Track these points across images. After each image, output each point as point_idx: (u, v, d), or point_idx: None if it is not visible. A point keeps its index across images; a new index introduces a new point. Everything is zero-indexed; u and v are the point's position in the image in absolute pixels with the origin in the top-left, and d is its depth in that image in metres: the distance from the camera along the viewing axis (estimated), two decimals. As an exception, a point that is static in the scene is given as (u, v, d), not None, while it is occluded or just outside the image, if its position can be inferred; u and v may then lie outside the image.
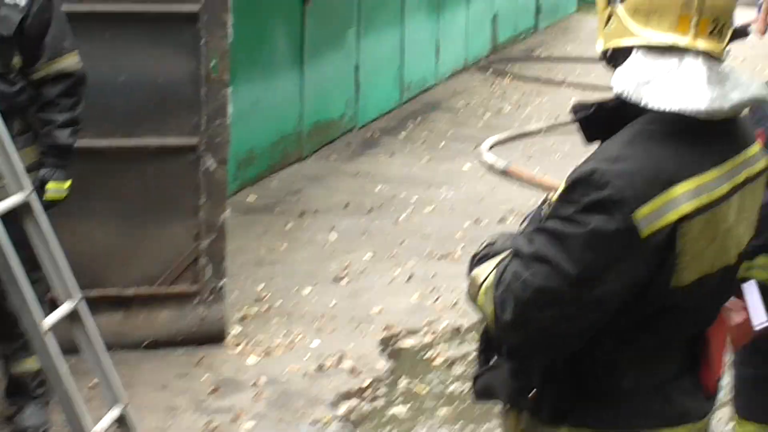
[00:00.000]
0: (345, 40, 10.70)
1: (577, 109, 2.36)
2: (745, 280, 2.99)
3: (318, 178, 9.37)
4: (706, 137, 2.24)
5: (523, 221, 2.48)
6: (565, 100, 13.09)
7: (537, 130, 11.38)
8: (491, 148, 10.42)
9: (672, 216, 2.14)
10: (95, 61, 5.19)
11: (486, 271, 2.29)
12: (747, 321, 2.82)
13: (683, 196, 2.16)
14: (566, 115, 11.69)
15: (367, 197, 8.87)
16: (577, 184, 2.16)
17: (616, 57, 2.30)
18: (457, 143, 10.81)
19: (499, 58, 16.12)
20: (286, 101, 9.54)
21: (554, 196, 2.29)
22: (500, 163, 9.78)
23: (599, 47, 2.34)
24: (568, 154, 10.31)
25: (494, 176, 9.64)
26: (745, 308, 2.85)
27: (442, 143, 10.81)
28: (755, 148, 2.38)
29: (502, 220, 8.35)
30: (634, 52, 2.25)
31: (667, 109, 2.16)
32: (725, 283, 2.37)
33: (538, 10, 19.31)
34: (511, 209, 8.60)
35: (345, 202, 8.67)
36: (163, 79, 5.76)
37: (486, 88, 13.87)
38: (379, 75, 11.66)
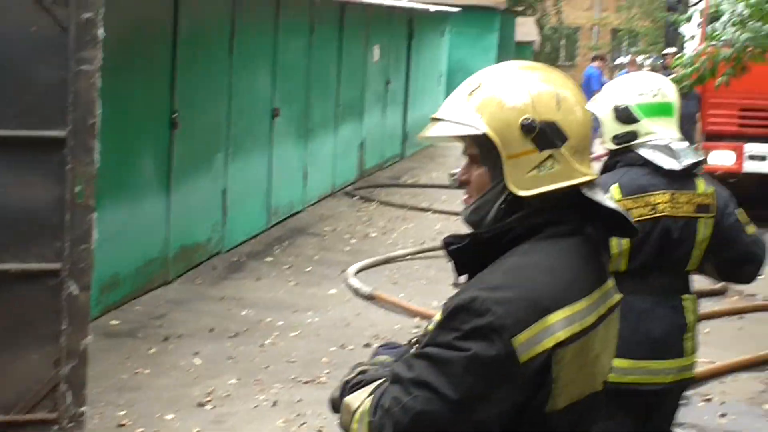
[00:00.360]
0: (213, 165, 10.77)
1: (450, 241, 2.43)
2: None
3: (183, 303, 9.32)
4: (577, 269, 2.36)
5: (376, 354, 2.54)
6: (430, 227, 13.33)
7: (402, 256, 11.52)
8: (357, 273, 10.51)
9: (548, 343, 2.23)
10: (-42, 185, 5.12)
11: (360, 398, 2.32)
12: None
13: (558, 324, 2.24)
14: (431, 241, 11.92)
15: (232, 322, 8.84)
16: (458, 311, 2.22)
17: (523, 200, 2.35)
18: (323, 268, 10.88)
19: (366, 184, 16.36)
20: (152, 225, 9.52)
21: (431, 326, 2.35)
22: (366, 289, 9.86)
23: (524, 192, 2.34)
24: (433, 280, 10.47)
25: (360, 301, 9.71)
26: None
27: (309, 268, 10.87)
28: (611, 282, 2.50)
29: (367, 345, 8.39)
30: (583, 189, 2.39)
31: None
32: (593, 409, 2.45)
33: (404, 137, 19.73)
34: (377, 334, 8.66)
35: (210, 327, 8.62)
36: (27, 204, 5.72)
37: (353, 214, 14.03)
38: (247, 199, 11.73)
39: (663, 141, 4.23)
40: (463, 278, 2.46)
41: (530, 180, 2.33)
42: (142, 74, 9.15)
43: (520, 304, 2.22)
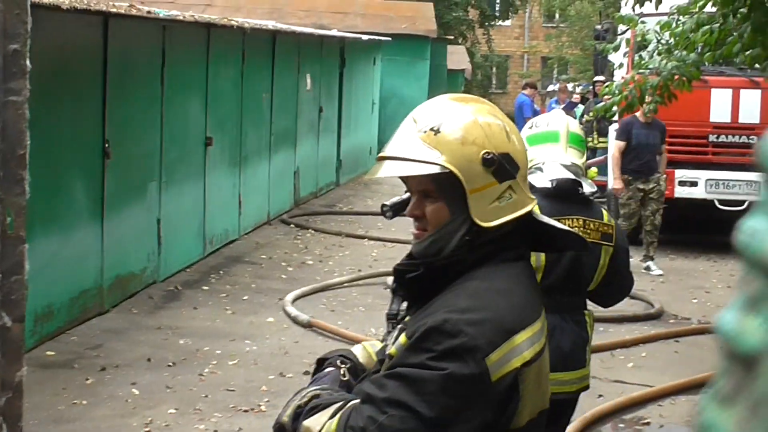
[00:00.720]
0: (147, 194, 10.71)
1: (402, 269, 2.52)
2: None
3: (119, 332, 9.24)
4: (528, 292, 2.49)
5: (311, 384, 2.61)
6: (366, 254, 13.35)
7: (339, 283, 11.53)
8: (294, 301, 10.50)
9: (516, 362, 2.34)
10: None
11: (320, 421, 2.38)
12: None
13: (524, 344, 2.37)
14: (368, 269, 11.94)
15: (169, 351, 8.78)
16: (430, 332, 2.30)
17: (485, 230, 2.44)
18: (260, 296, 10.85)
19: (302, 212, 16.37)
20: (87, 255, 9.44)
21: (392, 349, 2.43)
22: (303, 316, 9.85)
23: (489, 224, 2.42)
24: (370, 307, 10.49)
25: (298, 329, 9.69)
26: None
27: (246, 296, 10.83)
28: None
29: (306, 372, 8.36)
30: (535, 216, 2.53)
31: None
32: (542, 426, 2.54)
33: (338, 165, 19.78)
34: (314, 362, 8.63)
35: (147, 356, 8.56)
36: (-41, 234, 5.64)
37: (289, 242, 14.02)
38: (182, 228, 11.67)
39: (538, 164, 4.71)
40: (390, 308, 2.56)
41: (493, 211, 2.43)
42: (72, 104, 9.10)
43: (489, 325, 2.32)
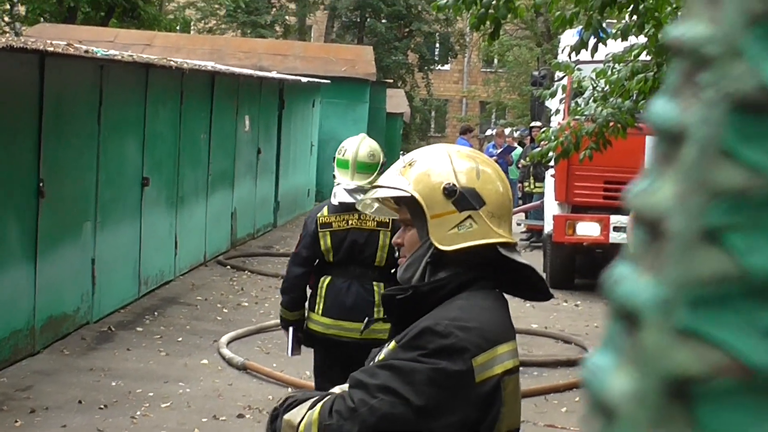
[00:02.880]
0: (81, 233, 10.62)
1: (392, 293, 2.78)
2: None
3: (50, 374, 9.11)
4: (505, 316, 2.77)
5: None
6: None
7: (275, 326, 11.46)
8: (229, 343, 10.43)
9: (498, 369, 2.60)
10: None
11: (300, 413, 2.63)
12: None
13: (505, 355, 2.64)
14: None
15: (101, 393, 8.67)
16: (424, 332, 2.57)
17: (449, 255, 2.70)
18: (195, 338, 10.78)
19: (238, 253, 16.31)
20: (18, 295, 9.32)
21: (381, 355, 2.69)
22: (238, 358, 9.79)
23: (446, 248, 2.70)
24: (306, 350, 10.44)
25: (232, 371, 9.63)
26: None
27: (180, 338, 10.75)
28: None
29: (240, 415, 8.32)
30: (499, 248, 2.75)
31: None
32: None
33: (276, 207, 19.75)
34: (249, 404, 8.59)
35: (78, 398, 8.45)
36: None
37: (225, 283, 13.95)
38: (117, 268, 11.57)
39: (341, 184, 6.35)
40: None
41: (451, 237, 2.71)
42: (5, 143, 9.02)
43: (476, 332, 2.59)
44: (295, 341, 6.60)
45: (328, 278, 6.36)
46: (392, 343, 2.67)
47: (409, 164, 2.78)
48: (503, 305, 2.79)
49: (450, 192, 2.71)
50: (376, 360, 2.72)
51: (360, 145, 6.44)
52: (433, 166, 2.75)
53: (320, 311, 6.35)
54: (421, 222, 2.73)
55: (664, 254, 0.76)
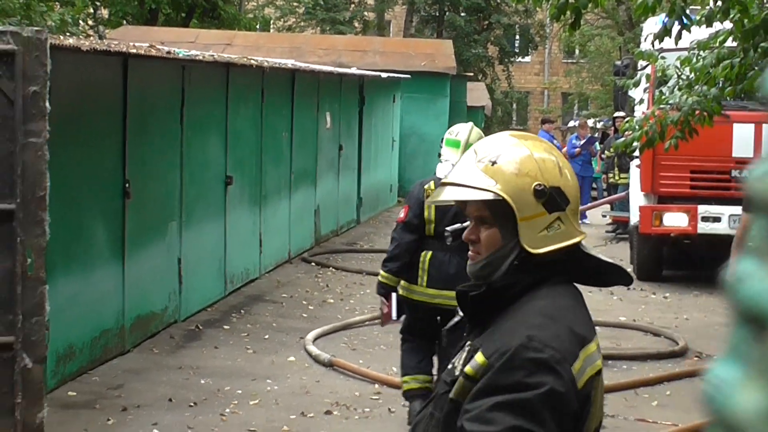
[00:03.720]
0: (167, 233, 10.71)
1: (465, 290, 2.74)
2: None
3: (140, 372, 9.21)
4: (584, 312, 2.70)
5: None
6: (387, 291, 13.28)
7: (361, 322, 11.48)
8: (315, 339, 10.45)
9: (591, 371, 2.55)
10: None
11: None
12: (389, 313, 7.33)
13: (594, 354, 2.61)
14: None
15: (190, 391, 8.73)
16: (519, 350, 2.48)
17: (535, 257, 2.64)
18: (281, 335, 10.81)
19: (322, 250, 16.35)
20: (107, 295, 9.43)
21: (469, 369, 2.56)
22: (325, 355, 9.80)
23: (536, 250, 2.64)
24: (392, 345, 10.41)
25: (319, 368, 9.64)
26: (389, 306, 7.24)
27: (267, 335, 10.80)
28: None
29: (328, 412, 8.33)
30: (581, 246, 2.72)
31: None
32: None
33: (359, 203, 19.77)
34: (337, 401, 8.59)
35: (168, 396, 8.52)
36: (-22, 276, 5.65)
37: (310, 280, 13.98)
38: (202, 267, 11.66)
39: (449, 161, 6.91)
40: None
41: (541, 239, 2.65)
42: (92, 145, 9.12)
43: (566, 337, 2.53)
44: (398, 305, 7.39)
45: (429, 252, 7.15)
46: (480, 356, 2.55)
47: (491, 162, 2.67)
48: (581, 300, 2.73)
49: (540, 193, 2.64)
50: (459, 366, 2.63)
51: (472, 130, 7.22)
52: (520, 165, 2.66)
53: (424, 283, 7.15)
54: (506, 222, 2.65)
55: None
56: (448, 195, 2.75)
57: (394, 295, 7.38)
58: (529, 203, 2.63)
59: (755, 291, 0.68)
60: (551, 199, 2.65)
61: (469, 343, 2.69)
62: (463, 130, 7.22)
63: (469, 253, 2.75)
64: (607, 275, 2.80)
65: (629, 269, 15.87)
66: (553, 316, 2.57)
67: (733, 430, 0.66)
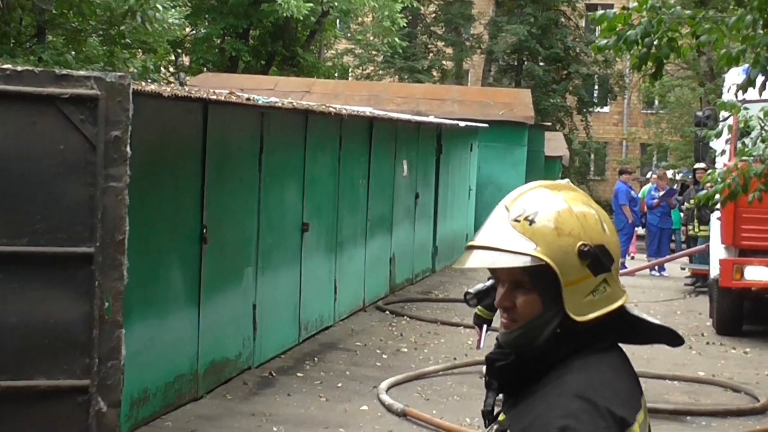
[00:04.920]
0: (243, 279, 10.74)
1: (494, 357, 2.46)
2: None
3: (213, 418, 9.20)
4: (628, 382, 2.44)
5: None
6: (462, 342, 13.20)
7: (435, 372, 11.38)
8: (389, 389, 10.38)
9: None
10: (-14, 301, 5.11)
11: None
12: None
13: (644, 425, 2.37)
14: (464, 357, 11.79)
15: (262, 439, 8.70)
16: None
17: (580, 324, 2.40)
18: (354, 383, 10.76)
19: (397, 299, 16.29)
20: (182, 340, 9.46)
21: None
22: (398, 405, 9.72)
23: (583, 318, 2.38)
24: (466, 396, 10.33)
25: (392, 418, 9.56)
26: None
27: (340, 383, 10.75)
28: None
29: (399, 462, 8.24)
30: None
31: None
32: None
33: (434, 251, 19.70)
34: None
35: (240, 445, 8.49)
36: (55, 320, 5.70)
37: (384, 329, 13.93)
38: (277, 314, 11.67)
39: None
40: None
41: (587, 305, 2.38)
42: (171, 190, 9.19)
43: (604, 423, 2.26)
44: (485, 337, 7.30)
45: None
46: None
47: (527, 219, 2.38)
48: (624, 365, 2.47)
49: (585, 254, 2.36)
50: None
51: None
52: (561, 222, 2.38)
53: None
54: (547, 287, 2.37)
55: None
56: (481, 260, 2.41)
57: (485, 326, 7.37)
58: (573, 266, 2.36)
59: None
60: (597, 260, 2.37)
61: (499, 420, 2.49)
62: None
63: (502, 320, 2.46)
64: (654, 334, 2.52)
65: (708, 323, 15.60)
66: (590, 398, 2.29)
67: None
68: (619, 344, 2.50)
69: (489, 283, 2.41)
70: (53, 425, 5.69)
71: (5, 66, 6.23)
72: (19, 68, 6.10)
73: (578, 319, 2.36)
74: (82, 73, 6.21)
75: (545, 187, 2.48)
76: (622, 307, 2.44)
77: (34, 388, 5.66)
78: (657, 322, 2.51)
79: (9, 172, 5.95)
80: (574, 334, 2.38)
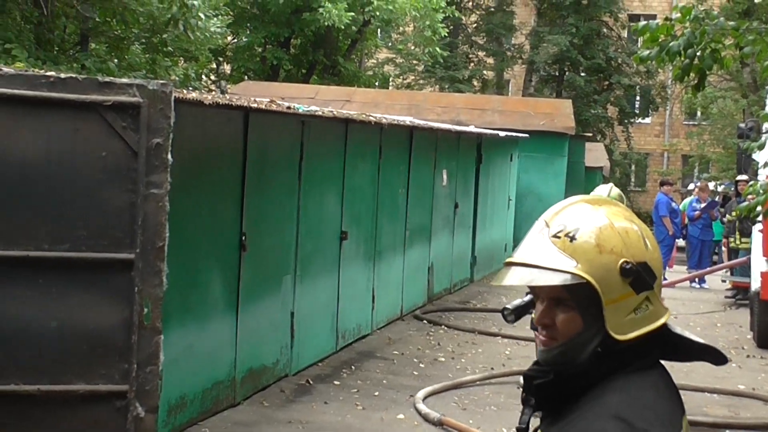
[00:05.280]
0: (281, 287, 10.77)
1: (532, 374, 2.42)
2: None
3: (250, 425, 9.22)
4: (669, 402, 2.37)
5: None
6: (500, 352, 13.16)
7: (472, 381, 11.36)
8: (426, 398, 10.36)
9: None
10: (27, 307, 5.16)
11: None
12: None
13: None
14: (501, 367, 11.75)
15: (299, 447, 8.71)
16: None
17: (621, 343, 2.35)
18: (391, 392, 10.75)
19: (435, 308, 16.27)
20: (220, 347, 9.49)
21: None
22: (434, 414, 9.70)
23: (624, 336, 2.33)
24: (503, 407, 10.29)
25: (429, 427, 9.55)
26: None
27: (377, 392, 10.74)
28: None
29: (435, 472, 8.22)
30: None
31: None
32: None
33: (473, 261, 19.67)
34: None
35: (276, 452, 8.51)
36: (95, 325, 5.74)
37: (421, 338, 13.91)
38: (315, 322, 11.69)
39: None
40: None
41: (629, 323, 2.33)
42: (210, 196, 9.23)
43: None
44: None
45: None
46: None
47: (568, 236, 2.34)
48: (666, 384, 2.41)
49: (628, 272, 2.31)
50: None
51: (611, 190, 7.61)
52: (602, 239, 2.32)
53: None
54: (588, 305, 2.32)
55: None
56: (519, 277, 2.37)
57: None
58: (615, 284, 2.30)
59: None
60: (639, 277, 2.32)
61: None
62: (603, 191, 7.33)
63: (541, 337, 2.42)
64: (698, 353, 2.47)
65: (749, 336, 15.47)
66: (629, 420, 2.23)
67: None
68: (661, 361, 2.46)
69: (528, 298, 2.33)
70: (92, 430, 5.73)
71: (49, 73, 6.28)
72: (62, 75, 6.16)
73: (620, 338, 2.32)
74: (124, 80, 6.26)
75: (586, 202, 2.44)
76: (664, 325, 2.40)
77: (73, 392, 5.70)
78: (700, 340, 2.46)
79: (52, 178, 6.01)
80: (615, 353, 2.34)
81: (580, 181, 26.07)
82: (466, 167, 18.86)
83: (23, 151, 5.99)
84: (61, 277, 5.72)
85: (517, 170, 23.20)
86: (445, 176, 17.14)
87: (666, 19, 8.81)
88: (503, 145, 21.71)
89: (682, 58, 8.46)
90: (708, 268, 21.93)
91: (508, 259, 2.43)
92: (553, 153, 23.84)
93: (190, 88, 18.33)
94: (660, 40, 8.67)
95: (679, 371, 10.48)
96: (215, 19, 20.94)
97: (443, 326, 14.83)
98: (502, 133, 20.95)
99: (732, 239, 20.57)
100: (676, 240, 23.96)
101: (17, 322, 5.34)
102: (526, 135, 22.49)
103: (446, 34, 34.04)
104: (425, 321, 15.14)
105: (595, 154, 30.83)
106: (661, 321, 2.37)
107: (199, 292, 9.09)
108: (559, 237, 2.35)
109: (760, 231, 14.34)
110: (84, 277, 5.75)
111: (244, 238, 9.71)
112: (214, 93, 21.98)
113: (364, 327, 13.45)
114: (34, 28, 16.87)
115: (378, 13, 29.47)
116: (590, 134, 35.96)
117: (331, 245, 12.14)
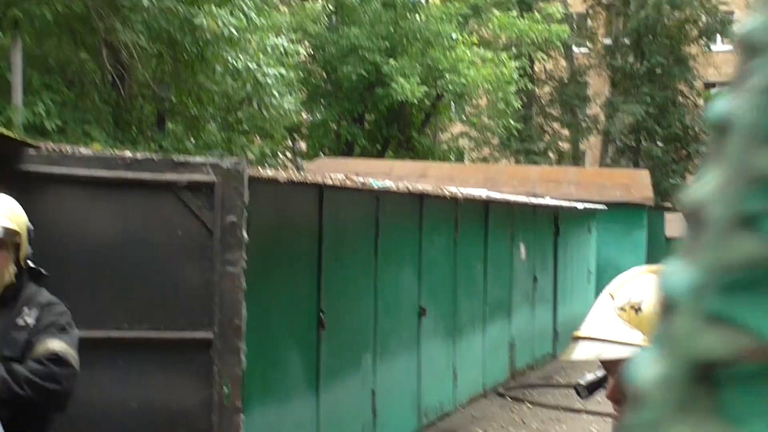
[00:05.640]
0: (361, 365, 10.64)
1: None
2: None
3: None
4: None
5: None
6: (585, 429, 12.86)
7: (557, 458, 11.09)
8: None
9: None
10: (108, 387, 5.11)
11: None
12: None
13: None
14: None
15: None
16: None
17: None
18: (475, 471, 10.53)
19: (518, 384, 16.00)
20: (302, 426, 9.37)
21: None
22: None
23: None
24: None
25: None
26: None
27: (460, 471, 10.53)
28: None
29: None
30: None
31: None
32: None
33: (555, 336, 19.37)
34: None
35: None
36: (176, 405, 5.67)
37: (505, 415, 13.66)
38: (396, 400, 11.52)
39: None
40: None
41: None
42: (287, 274, 9.17)
43: None
44: None
45: None
46: None
47: (633, 308, 2.27)
48: None
49: None
50: None
51: None
52: None
53: None
54: None
55: (701, 242, 0.76)
56: (587, 352, 2.30)
57: None
58: None
59: (668, 280, 0.76)
60: None
61: None
62: None
63: (615, 413, 2.33)
64: None
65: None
66: None
67: (639, 396, 0.75)
68: None
69: (601, 373, 2.24)
70: None
71: (125, 154, 6.29)
72: (138, 156, 6.16)
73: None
74: (198, 159, 6.24)
75: (650, 272, 2.36)
76: None
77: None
78: None
79: (129, 258, 5.99)
80: None
81: (661, 252, 25.67)
82: (544, 240, 18.66)
83: (101, 231, 5.99)
84: (141, 357, 5.67)
85: (596, 242, 22.92)
86: (523, 249, 16.95)
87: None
88: (581, 217, 21.48)
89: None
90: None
91: (576, 333, 2.35)
92: (631, 224, 23.55)
93: (267, 166, 18.42)
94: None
95: None
96: (289, 96, 21.11)
97: (527, 403, 14.56)
98: (579, 205, 20.75)
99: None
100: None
101: (99, 403, 5.27)
102: (604, 206, 22.25)
103: (520, 106, 34.02)
104: (508, 398, 14.89)
105: (676, 225, 30.41)
106: None
107: (278, 371, 9.00)
108: (624, 309, 2.30)
109: None
110: (163, 356, 5.69)
111: (322, 315, 9.62)
112: (289, 170, 22.09)
113: (447, 405, 13.24)
114: (112, 109, 17.12)
115: (450, 87, 29.55)
116: (670, 204, 35.53)
117: (409, 321, 12.01)
